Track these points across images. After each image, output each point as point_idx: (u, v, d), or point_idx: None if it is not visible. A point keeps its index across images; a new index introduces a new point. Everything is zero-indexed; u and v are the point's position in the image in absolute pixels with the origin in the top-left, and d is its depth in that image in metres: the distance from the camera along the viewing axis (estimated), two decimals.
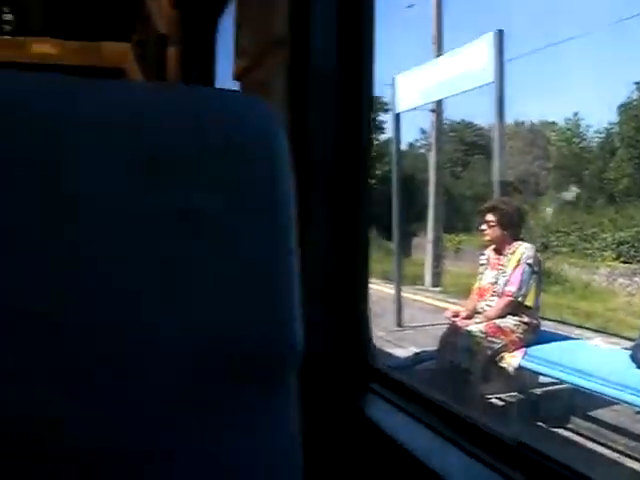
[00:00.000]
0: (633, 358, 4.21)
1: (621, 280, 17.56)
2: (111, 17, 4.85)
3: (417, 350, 5.30)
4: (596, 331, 9.15)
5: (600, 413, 4.76)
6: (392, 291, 9.37)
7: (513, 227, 4.93)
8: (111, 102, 0.69)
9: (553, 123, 35.12)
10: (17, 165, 0.64)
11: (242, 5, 1.97)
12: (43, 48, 5.33)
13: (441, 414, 1.30)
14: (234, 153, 0.69)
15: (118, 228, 0.66)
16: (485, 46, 6.84)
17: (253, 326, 0.68)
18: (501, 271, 4.83)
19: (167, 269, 0.66)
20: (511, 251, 4.83)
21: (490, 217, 4.89)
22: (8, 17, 5.32)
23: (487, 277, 4.95)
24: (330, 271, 1.52)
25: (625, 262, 19.53)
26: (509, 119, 33.37)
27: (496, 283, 4.85)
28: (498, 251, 4.92)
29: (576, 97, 46.82)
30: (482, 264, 5.11)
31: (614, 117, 34.26)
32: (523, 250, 4.81)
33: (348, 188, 1.52)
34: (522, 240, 5.01)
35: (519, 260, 4.75)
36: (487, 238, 5.02)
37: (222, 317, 0.67)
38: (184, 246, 0.66)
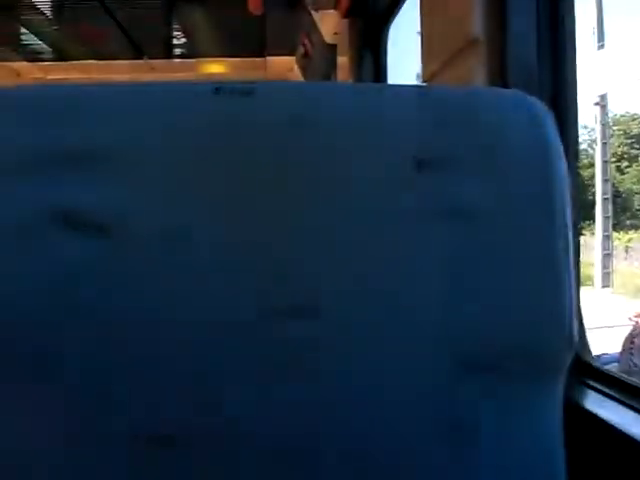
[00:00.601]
0: None
1: None
2: (275, 32, 5.00)
3: (596, 353, 5.09)
4: None
5: None
6: None
7: None
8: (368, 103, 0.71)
9: None
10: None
11: (428, 10, 1.98)
12: (212, 67, 5.56)
13: None
14: (504, 150, 0.69)
15: (389, 227, 0.67)
16: None
17: (530, 323, 0.68)
18: None
19: (441, 265, 0.67)
20: None
21: None
22: (181, 41, 5.59)
23: None
24: None
25: None
26: None
27: None
28: None
29: None
30: None
31: None
32: None
33: None
34: None
35: None
36: None
37: (497, 314, 0.68)
38: (457, 242, 0.67)
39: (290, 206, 0.67)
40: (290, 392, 0.68)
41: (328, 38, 3.96)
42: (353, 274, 0.67)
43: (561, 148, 0.70)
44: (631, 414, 1.28)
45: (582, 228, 20.27)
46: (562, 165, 0.70)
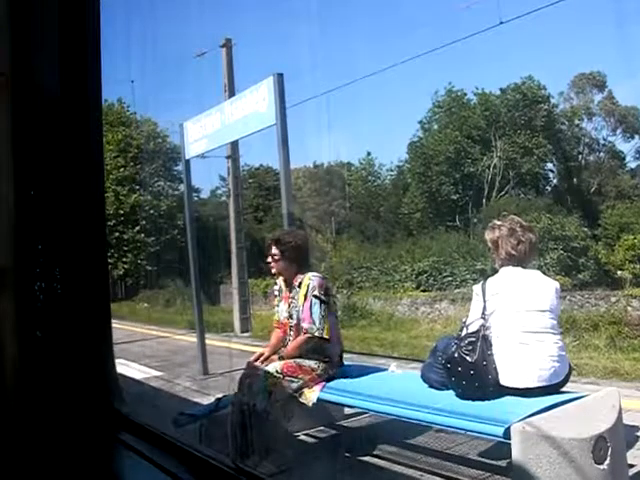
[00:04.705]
0: (423, 378, 4.36)
1: (423, 308, 18.44)
2: None
3: (219, 396, 5.20)
4: (399, 358, 9.48)
5: (402, 435, 4.89)
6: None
7: (299, 259, 4.86)
8: None
9: (349, 163, 36.78)
10: None
11: None
12: None
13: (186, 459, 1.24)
14: None
15: None
16: (265, 89, 6.97)
17: None
18: (293, 305, 4.80)
19: None
20: (298, 283, 4.78)
21: (274, 250, 4.85)
22: None
23: (282, 311, 4.91)
24: (66, 315, 1.43)
25: (425, 291, 20.56)
26: (308, 161, 34.59)
27: (291, 317, 4.82)
28: (288, 283, 4.90)
29: (367, 137, 49.57)
30: (276, 295, 5.06)
31: (404, 155, 36.66)
32: (308, 281, 4.73)
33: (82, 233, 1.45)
34: (310, 270, 4.92)
35: (306, 293, 4.69)
36: (273, 271, 4.96)
37: None
38: None
39: None
40: None
41: None
42: None
43: None
44: (153, 471, 1.24)
45: (224, 277, 21.03)
46: None
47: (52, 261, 1.40)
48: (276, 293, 5.07)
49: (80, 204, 1.48)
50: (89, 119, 1.51)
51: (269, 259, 4.88)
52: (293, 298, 4.80)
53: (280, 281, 5.01)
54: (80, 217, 1.48)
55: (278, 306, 4.98)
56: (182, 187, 20.80)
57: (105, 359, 1.48)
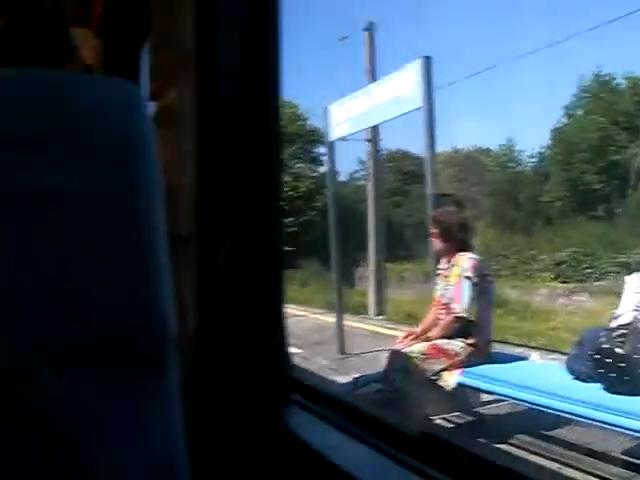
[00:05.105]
0: (569, 369, 4.29)
1: (561, 300, 17.90)
2: (38, 48, 4.80)
3: (357, 375, 5.28)
4: (536, 349, 9.28)
5: (540, 426, 4.82)
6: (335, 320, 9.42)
7: (454, 239, 4.85)
8: None
9: (488, 149, 36.02)
10: None
11: (156, 26, 1.98)
12: None
13: (363, 420, 1.29)
14: (90, 135, 0.68)
15: None
16: (413, 72, 6.97)
17: (113, 315, 0.66)
18: (447, 284, 4.81)
19: (20, 251, 0.64)
20: (452, 263, 4.81)
21: (433, 228, 4.88)
22: None
23: (439, 288, 4.94)
24: (244, 284, 1.50)
25: (564, 282, 19.94)
26: (446, 146, 34.14)
27: (444, 296, 4.84)
28: (447, 261, 4.91)
29: (509, 122, 48.11)
30: (438, 274, 5.08)
31: (546, 141, 35.46)
32: (462, 262, 4.74)
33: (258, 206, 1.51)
34: (470, 251, 4.91)
35: (459, 274, 4.69)
36: (434, 249, 5.01)
37: (82, 303, 0.65)
38: (39, 228, 0.64)
39: None
40: None
41: (87, 58, 3.85)
42: None
43: (151, 142, 0.70)
44: (336, 435, 1.30)
45: (361, 260, 21.17)
46: (148, 159, 0.70)
47: (233, 230, 1.48)
48: (439, 272, 5.07)
49: (260, 180, 1.54)
50: (269, 101, 1.58)
51: (431, 237, 4.94)
52: (447, 277, 4.79)
53: (443, 260, 5.02)
54: (260, 191, 1.53)
55: (438, 284, 4.98)
56: (321, 169, 21.03)
57: (278, 326, 1.55)
